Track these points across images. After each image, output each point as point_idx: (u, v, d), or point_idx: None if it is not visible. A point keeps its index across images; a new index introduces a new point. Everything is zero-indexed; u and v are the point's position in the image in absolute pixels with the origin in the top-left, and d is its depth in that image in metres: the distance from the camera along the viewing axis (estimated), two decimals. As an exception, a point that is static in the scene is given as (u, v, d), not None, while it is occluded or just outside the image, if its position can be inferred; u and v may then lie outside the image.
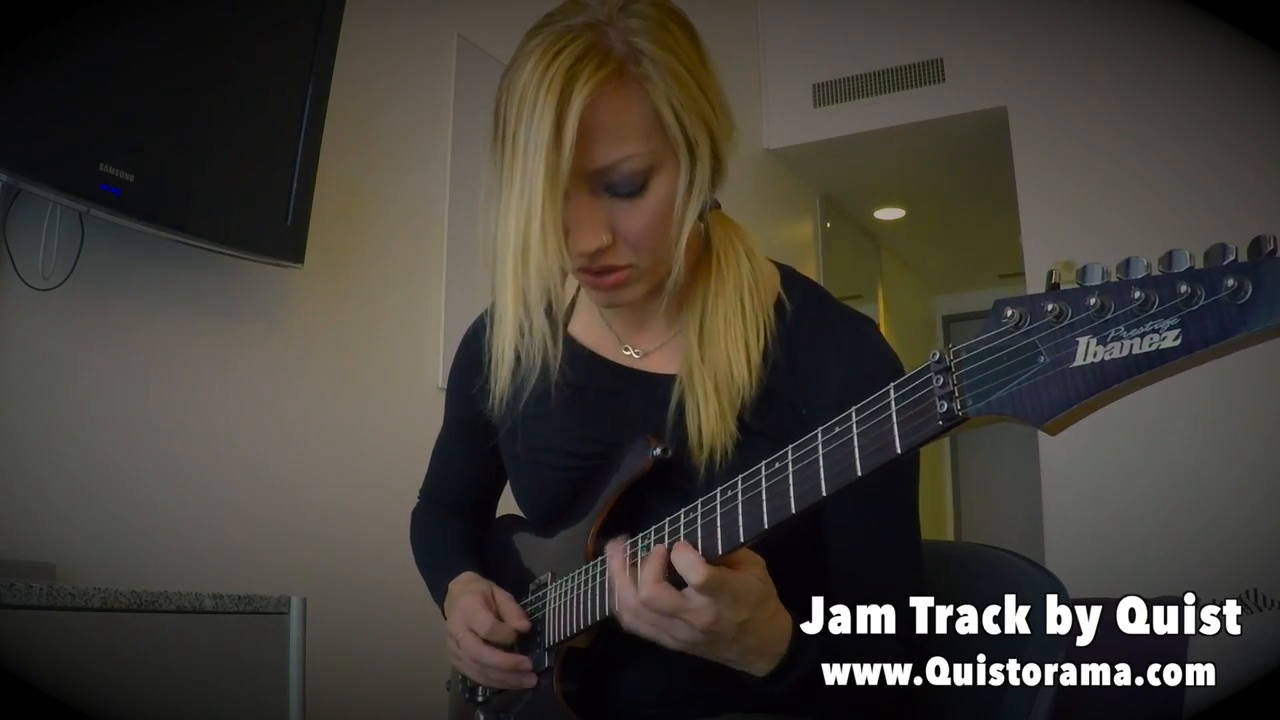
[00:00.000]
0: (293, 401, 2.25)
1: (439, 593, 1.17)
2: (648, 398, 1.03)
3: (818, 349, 1.00)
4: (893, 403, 0.69)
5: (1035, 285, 3.93)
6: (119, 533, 1.86)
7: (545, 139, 0.86)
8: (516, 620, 1.04)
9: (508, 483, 1.22)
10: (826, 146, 4.31)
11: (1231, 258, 0.54)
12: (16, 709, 1.24)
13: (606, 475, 1.02)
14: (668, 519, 0.88)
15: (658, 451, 0.97)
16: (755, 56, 4.37)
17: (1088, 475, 3.47)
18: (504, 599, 1.06)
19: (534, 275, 0.90)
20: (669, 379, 1.01)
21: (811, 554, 1.00)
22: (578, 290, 1.15)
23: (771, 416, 0.98)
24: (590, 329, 1.12)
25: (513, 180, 0.89)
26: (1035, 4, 3.90)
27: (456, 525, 1.27)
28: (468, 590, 1.09)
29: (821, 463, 0.75)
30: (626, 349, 1.08)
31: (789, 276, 1.06)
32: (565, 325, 1.12)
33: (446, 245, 2.67)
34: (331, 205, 2.24)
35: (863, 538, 0.98)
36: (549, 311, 1.04)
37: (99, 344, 1.90)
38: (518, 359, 1.06)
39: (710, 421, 0.96)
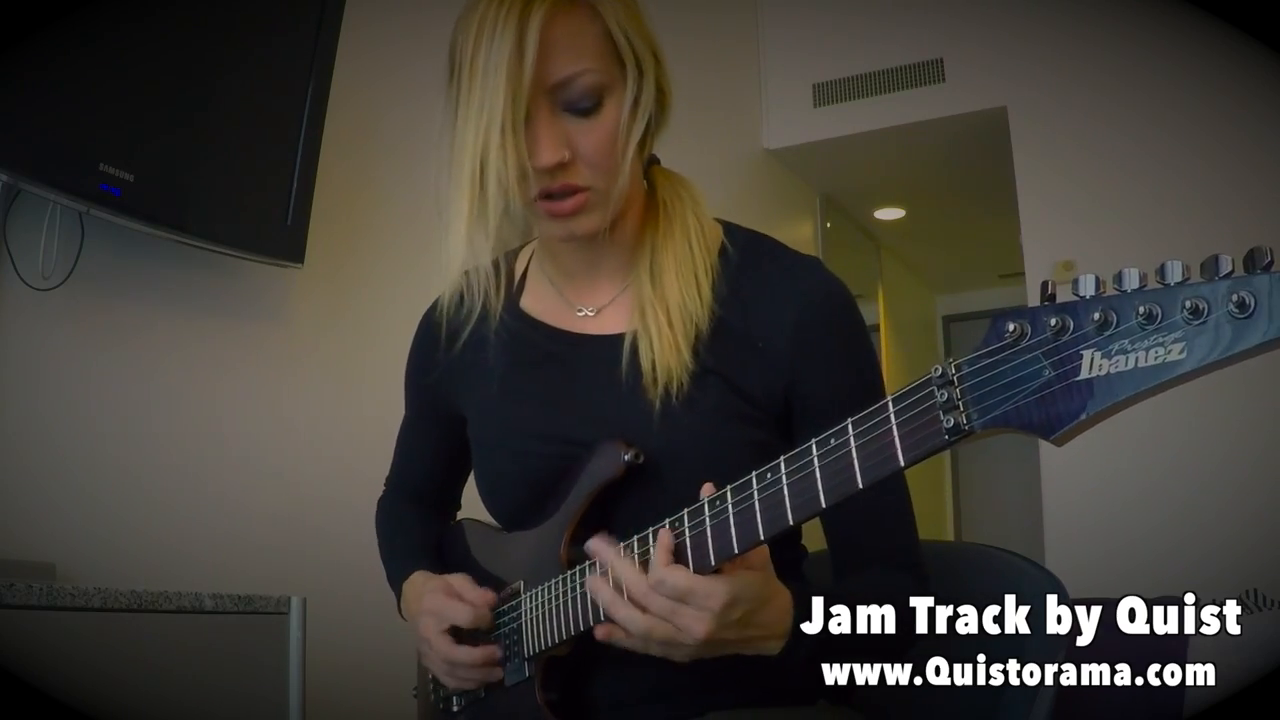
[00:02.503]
0: (293, 401, 2.25)
1: (395, 586, 1.19)
2: (601, 359, 1.03)
3: (767, 282, 1.02)
4: (892, 415, 0.69)
5: (1035, 285, 3.92)
6: (119, 533, 1.86)
7: (507, 53, 0.91)
8: (487, 604, 1.05)
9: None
10: (826, 146, 4.31)
11: (1228, 270, 0.55)
12: (16, 709, 1.24)
13: (574, 477, 1.01)
14: (653, 529, 0.87)
15: (629, 456, 0.96)
16: (755, 56, 4.36)
17: (1088, 475, 3.47)
18: (464, 585, 1.06)
19: (493, 181, 0.92)
20: (621, 337, 1.02)
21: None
22: (527, 264, 1.15)
23: (726, 352, 0.99)
24: (540, 298, 1.11)
25: (470, 100, 0.92)
26: (1035, 4, 3.90)
27: (416, 515, 1.27)
28: (427, 590, 1.08)
29: (819, 474, 0.75)
30: (580, 310, 1.09)
31: (730, 226, 1.09)
32: (516, 300, 1.12)
33: (446, 245, 2.67)
34: (331, 205, 2.24)
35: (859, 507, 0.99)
36: (498, 272, 1.07)
37: (99, 344, 1.90)
38: (460, 300, 1.09)
39: (665, 354, 0.97)
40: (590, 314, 1.08)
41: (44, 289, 1.78)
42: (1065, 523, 3.56)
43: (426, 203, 2.95)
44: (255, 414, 2.16)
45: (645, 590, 0.84)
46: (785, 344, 0.99)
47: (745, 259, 1.04)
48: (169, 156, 1.84)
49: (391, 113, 2.57)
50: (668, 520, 0.86)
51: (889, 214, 5.31)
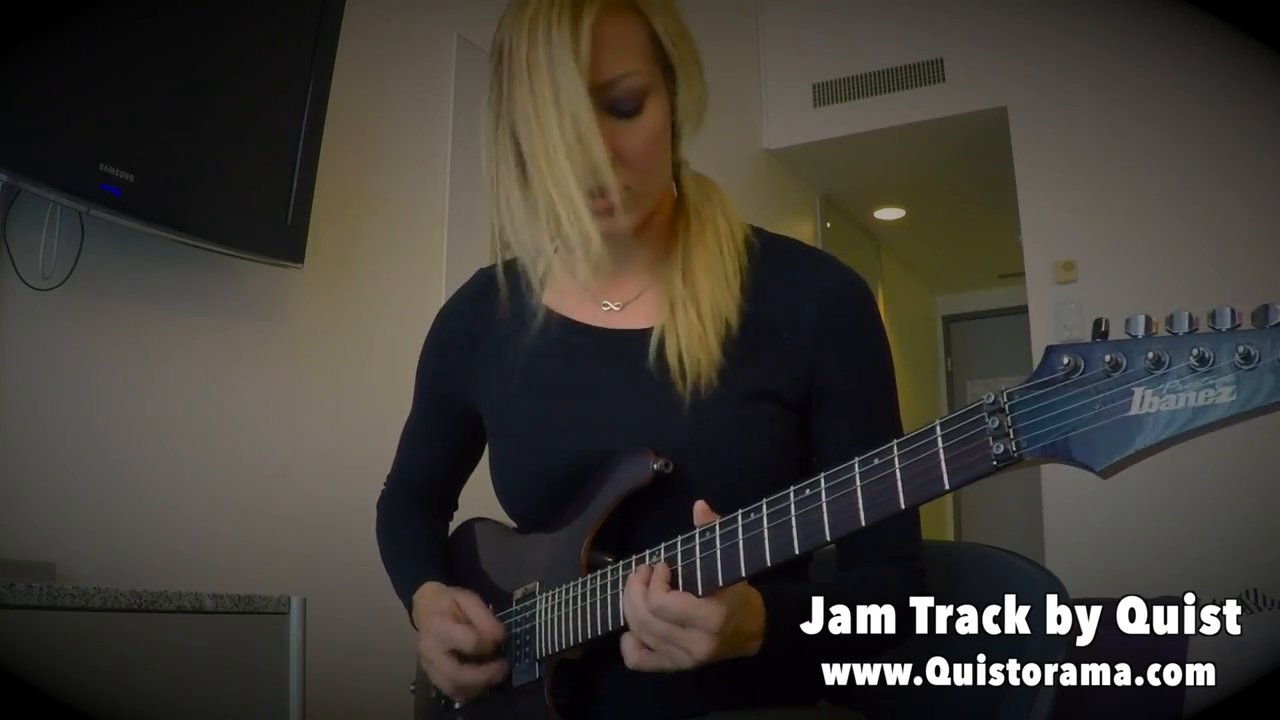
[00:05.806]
0: (292, 401, 2.25)
1: (404, 597, 1.18)
2: (628, 353, 1.03)
3: (789, 277, 1.05)
4: (939, 439, 0.70)
5: (1035, 285, 3.94)
6: (119, 533, 1.86)
7: (568, 47, 0.92)
8: (493, 631, 1.04)
9: (474, 470, 1.23)
10: (826, 146, 4.31)
11: (1278, 319, 0.57)
12: (16, 709, 1.24)
13: (599, 482, 1.00)
14: (681, 537, 0.87)
15: (658, 466, 0.96)
16: (755, 56, 4.36)
17: (1088, 475, 3.46)
18: (472, 609, 1.05)
19: (581, 166, 0.93)
20: (648, 331, 1.03)
21: None
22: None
23: (752, 348, 1.01)
24: (564, 293, 1.11)
25: (542, 93, 0.93)
26: (1035, 4, 3.90)
27: (421, 520, 1.26)
28: (434, 610, 1.08)
29: (860, 493, 0.75)
30: (605, 304, 1.09)
31: (755, 229, 1.11)
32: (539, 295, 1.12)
33: (446, 245, 2.67)
34: (331, 205, 2.24)
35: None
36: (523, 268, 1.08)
37: (99, 344, 1.90)
38: (481, 295, 1.12)
39: (694, 348, 0.99)
40: (616, 309, 1.09)
41: (44, 289, 1.78)
42: (1065, 523, 3.56)
43: (426, 204, 2.96)
44: (255, 414, 2.16)
45: (645, 617, 0.85)
46: (807, 335, 1.01)
47: (767, 256, 1.06)
48: (169, 156, 1.84)
49: (391, 113, 2.57)
50: (697, 530, 0.86)
51: (889, 214, 5.31)
